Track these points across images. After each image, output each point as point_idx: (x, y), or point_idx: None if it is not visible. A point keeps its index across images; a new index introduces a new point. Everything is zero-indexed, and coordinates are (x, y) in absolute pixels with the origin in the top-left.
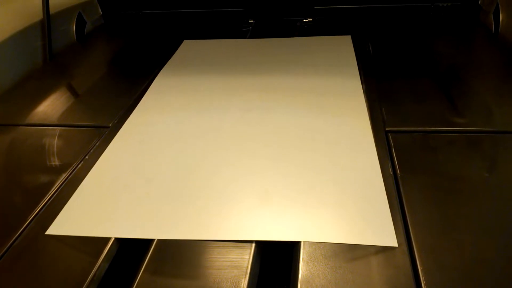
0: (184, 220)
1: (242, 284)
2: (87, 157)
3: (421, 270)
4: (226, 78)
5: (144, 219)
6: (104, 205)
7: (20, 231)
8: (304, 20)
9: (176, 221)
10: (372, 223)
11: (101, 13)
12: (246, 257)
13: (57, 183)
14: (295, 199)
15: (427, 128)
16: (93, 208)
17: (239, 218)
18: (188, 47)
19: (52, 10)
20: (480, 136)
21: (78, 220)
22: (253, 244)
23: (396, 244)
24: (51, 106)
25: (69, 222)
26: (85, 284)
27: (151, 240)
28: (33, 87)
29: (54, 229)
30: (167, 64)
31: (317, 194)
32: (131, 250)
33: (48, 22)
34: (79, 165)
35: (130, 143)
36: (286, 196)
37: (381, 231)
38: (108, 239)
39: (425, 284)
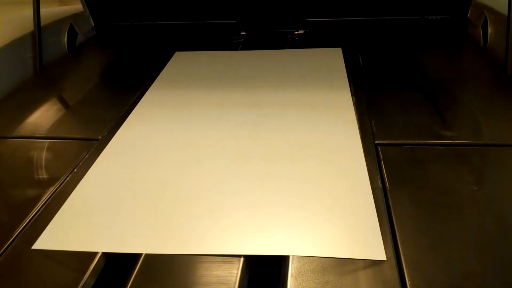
0: (172, 234)
1: None
2: (75, 170)
3: (409, 284)
4: (216, 92)
5: (132, 234)
6: (91, 219)
7: (6, 246)
8: (296, 33)
9: (164, 236)
10: (361, 237)
11: (93, 24)
12: (234, 272)
13: (45, 197)
14: (283, 213)
15: (416, 141)
16: (81, 222)
17: (227, 232)
18: (179, 59)
19: (43, 22)
20: (468, 149)
21: (65, 234)
22: (241, 259)
23: (384, 258)
24: (40, 118)
25: (56, 237)
26: None
27: (139, 255)
28: (23, 99)
29: (41, 244)
30: (158, 77)
31: (306, 208)
32: (118, 265)
33: (39, 33)
34: (68, 178)
35: (119, 157)
36: (275, 210)
37: (369, 244)
38: (95, 253)
39: None
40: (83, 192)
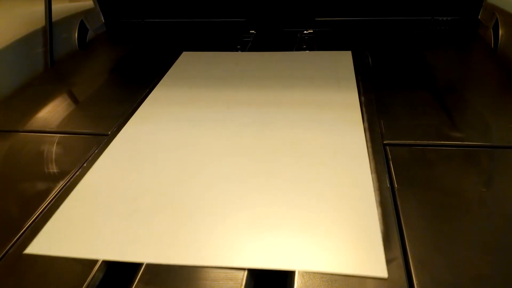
0: (175, 244)
1: None
2: (85, 165)
3: (417, 284)
4: (223, 91)
5: (133, 241)
6: (91, 224)
7: (13, 242)
8: (305, 32)
9: (166, 245)
10: (364, 253)
11: (103, 21)
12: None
13: (54, 191)
14: (289, 225)
15: (425, 142)
16: (79, 226)
17: (231, 244)
18: (187, 58)
19: (54, 18)
20: (477, 151)
21: (62, 238)
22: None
23: (386, 275)
24: (50, 113)
25: (52, 240)
26: None
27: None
28: (34, 93)
29: (34, 248)
30: (166, 75)
31: (310, 219)
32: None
33: (50, 29)
34: (77, 172)
35: (123, 156)
36: (280, 221)
37: (372, 261)
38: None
39: None
40: (83, 192)
